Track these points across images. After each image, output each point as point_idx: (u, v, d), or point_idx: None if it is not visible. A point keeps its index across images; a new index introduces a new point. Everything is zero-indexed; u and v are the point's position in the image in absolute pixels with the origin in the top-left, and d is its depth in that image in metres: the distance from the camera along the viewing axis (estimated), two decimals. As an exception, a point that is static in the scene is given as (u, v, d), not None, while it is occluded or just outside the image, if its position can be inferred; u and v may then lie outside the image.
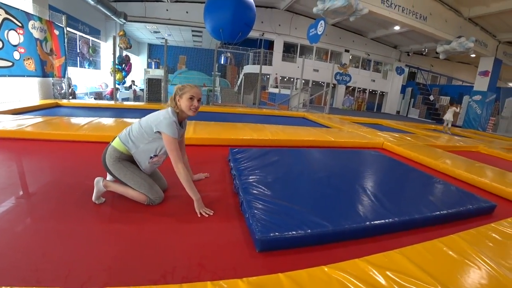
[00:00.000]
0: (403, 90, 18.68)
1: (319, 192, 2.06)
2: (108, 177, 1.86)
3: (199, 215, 1.68)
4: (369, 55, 17.35)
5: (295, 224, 1.48)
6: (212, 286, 0.98)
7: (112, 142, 1.78)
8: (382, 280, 1.11)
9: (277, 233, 1.39)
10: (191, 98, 1.75)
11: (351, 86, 17.42)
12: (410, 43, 16.09)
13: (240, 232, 1.55)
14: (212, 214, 1.70)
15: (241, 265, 1.29)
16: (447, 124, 8.96)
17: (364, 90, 18.43)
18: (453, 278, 1.18)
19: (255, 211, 1.59)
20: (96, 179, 1.73)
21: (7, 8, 4.81)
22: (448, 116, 8.93)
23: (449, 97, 15.59)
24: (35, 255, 1.23)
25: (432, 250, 1.39)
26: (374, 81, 18.27)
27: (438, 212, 1.89)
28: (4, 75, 4.93)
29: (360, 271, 1.16)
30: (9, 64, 5.00)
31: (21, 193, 1.88)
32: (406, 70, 18.70)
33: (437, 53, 12.19)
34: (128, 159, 1.77)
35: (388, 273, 1.16)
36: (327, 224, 1.52)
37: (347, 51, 16.80)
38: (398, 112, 18.98)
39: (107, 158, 1.73)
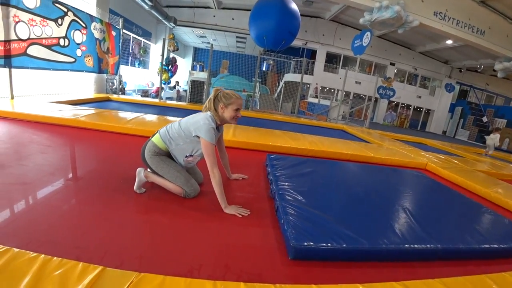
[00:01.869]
0: (451, 109, 17.36)
1: (356, 208, 1.98)
2: (138, 176, 1.97)
3: (237, 215, 1.69)
4: (416, 69, 16.46)
5: (330, 237, 1.45)
6: (245, 287, 0.98)
7: (152, 137, 1.87)
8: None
9: (311, 243, 1.37)
10: (236, 110, 1.81)
11: (394, 101, 16.61)
12: (463, 58, 14.97)
13: (273, 237, 1.55)
14: (248, 214, 1.71)
15: (270, 270, 1.28)
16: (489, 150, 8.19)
17: (408, 106, 17.47)
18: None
19: (291, 217, 1.57)
20: (138, 169, 1.84)
21: (75, 11, 5.38)
22: (491, 143, 8.16)
23: (505, 120, 14.17)
24: (77, 233, 1.34)
25: (479, 285, 1.26)
26: (420, 97, 17.25)
27: (487, 246, 1.71)
28: (67, 70, 5.48)
29: (397, 296, 1.09)
30: (72, 60, 5.55)
31: (70, 175, 2.07)
32: (457, 87, 17.39)
33: (494, 70, 11.19)
34: (165, 154, 1.85)
35: (427, 302, 1.07)
36: (363, 241, 1.46)
37: (392, 64, 16.12)
38: (444, 132, 17.67)
39: (146, 152, 1.83)
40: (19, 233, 1.27)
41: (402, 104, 17.21)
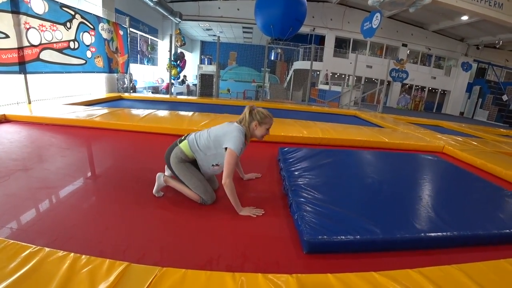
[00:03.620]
0: (469, 89, 16.69)
1: (370, 197, 1.98)
2: (166, 171, 2.02)
3: (252, 215, 1.73)
4: (430, 49, 15.83)
5: (344, 229, 1.46)
6: (263, 278, 1.02)
7: (179, 143, 1.88)
8: (437, 295, 1.04)
9: (325, 236, 1.39)
10: (268, 129, 1.88)
11: (407, 84, 16.11)
12: (480, 34, 14.25)
13: (288, 232, 1.57)
14: (262, 213, 1.75)
15: (286, 263, 1.32)
16: None
17: (422, 88, 16.91)
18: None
19: (304, 213, 1.59)
20: (158, 174, 1.90)
21: (82, 13, 5.46)
22: None
23: (527, 97, 13.53)
24: (99, 229, 1.42)
25: (497, 270, 1.25)
26: (434, 78, 16.64)
27: (507, 230, 1.67)
28: (79, 72, 5.61)
29: (413, 281, 1.10)
30: (83, 62, 5.67)
31: (89, 174, 2.16)
32: (474, 66, 16.64)
33: (515, 46, 10.65)
34: (190, 162, 1.88)
35: (443, 287, 1.08)
36: (378, 231, 1.47)
37: (404, 45, 15.56)
38: (462, 113, 17.07)
39: (172, 157, 1.85)
40: (46, 232, 1.36)
41: (416, 86, 16.68)
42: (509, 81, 16.72)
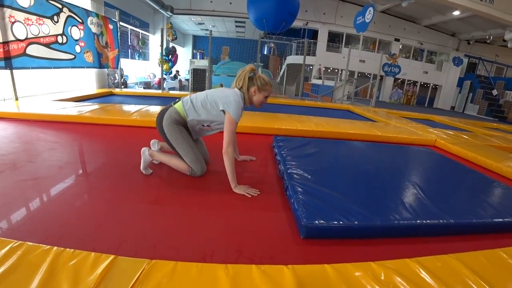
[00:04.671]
0: (460, 83, 16.90)
1: (366, 185, 1.97)
2: (153, 146, 1.95)
3: (246, 195, 1.68)
4: (422, 44, 15.95)
5: (341, 214, 1.44)
6: (257, 269, 0.99)
7: (174, 104, 1.82)
8: (433, 284, 1.03)
9: (323, 221, 1.36)
10: (266, 97, 1.82)
11: (400, 78, 16.22)
12: (471, 30, 14.41)
13: (284, 217, 1.55)
14: (258, 194, 1.71)
15: (283, 250, 1.29)
16: None
17: (414, 83, 17.06)
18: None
19: (301, 196, 1.57)
20: (143, 149, 1.83)
21: (70, 7, 5.30)
22: None
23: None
24: (92, 226, 1.37)
25: (493, 260, 1.24)
26: (426, 72, 16.79)
27: (500, 219, 1.68)
28: (68, 67, 5.47)
29: (410, 271, 1.08)
30: (72, 57, 5.52)
31: (80, 171, 2.09)
32: (465, 60, 16.82)
33: (504, 41, 10.79)
34: (183, 125, 1.81)
35: (441, 277, 1.07)
36: (375, 218, 1.46)
37: (397, 40, 15.64)
38: (453, 107, 17.29)
39: (165, 118, 1.77)
40: (37, 230, 1.30)
41: (408, 80, 16.82)
42: (499, 76, 16.99)
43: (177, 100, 1.84)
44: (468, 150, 3.49)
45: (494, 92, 14.56)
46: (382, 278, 1.03)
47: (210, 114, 1.74)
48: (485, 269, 1.16)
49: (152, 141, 1.90)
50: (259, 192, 1.72)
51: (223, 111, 1.69)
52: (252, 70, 1.79)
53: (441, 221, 1.54)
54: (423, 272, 1.09)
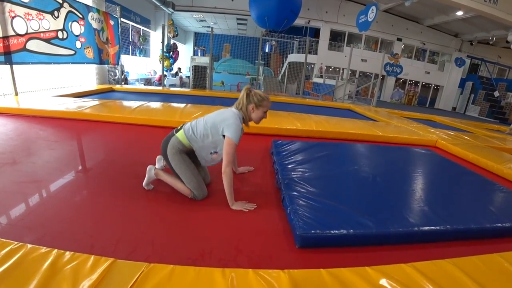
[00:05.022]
0: (462, 84, 16.83)
1: (364, 191, 1.97)
2: (157, 164, 1.97)
3: (244, 210, 1.69)
4: (424, 44, 15.87)
5: (337, 223, 1.44)
6: (254, 273, 1.00)
7: (176, 132, 1.82)
8: (430, 289, 1.03)
9: (318, 231, 1.37)
10: (265, 112, 1.81)
11: (401, 78, 16.17)
12: (474, 30, 14.31)
13: (280, 227, 1.55)
14: (255, 207, 1.72)
15: (278, 257, 1.29)
16: None
17: (416, 83, 17.00)
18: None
19: (297, 207, 1.57)
20: (149, 167, 1.84)
21: (71, 2, 5.27)
22: None
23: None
24: (90, 224, 1.38)
25: (490, 264, 1.25)
26: (428, 73, 16.72)
27: (499, 224, 1.68)
28: (68, 63, 5.45)
29: (406, 276, 1.09)
30: (72, 52, 5.50)
31: (79, 168, 2.09)
32: (468, 61, 16.76)
33: (507, 42, 10.73)
34: (188, 152, 1.82)
35: (437, 282, 1.07)
36: (371, 226, 1.46)
37: (399, 39, 15.55)
38: (454, 108, 17.24)
39: (168, 147, 1.78)
40: (35, 227, 1.31)
41: (409, 81, 16.75)
42: (501, 77, 16.93)
43: (179, 128, 1.85)
44: (469, 151, 3.49)
45: (496, 93, 14.51)
46: (378, 283, 1.03)
47: (213, 139, 1.76)
48: (481, 274, 1.16)
49: (158, 157, 1.92)
50: (256, 206, 1.73)
51: (223, 135, 1.70)
52: (248, 89, 1.81)
53: (438, 227, 1.54)
54: (419, 277, 1.09)
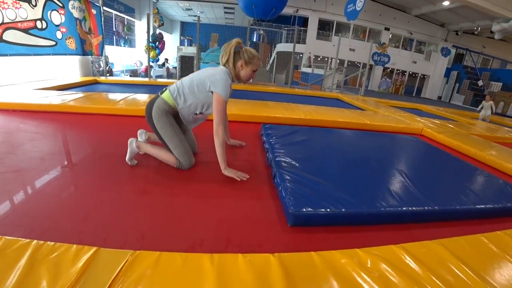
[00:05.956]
0: (447, 74, 17.17)
1: (353, 173, 1.98)
2: (140, 137, 1.90)
3: (236, 178, 1.66)
4: (411, 33, 16.03)
5: (329, 202, 1.45)
6: (243, 258, 0.99)
7: (161, 94, 1.74)
8: (418, 269, 1.05)
9: (310, 209, 1.37)
10: (254, 71, 1.73)
11: (389, 68, 16.36)
12: (460, 20, 14.54)
13: (272, 204, 1.54)
14: (247, 178, 1.69)
15: (271, 238, 1.29)
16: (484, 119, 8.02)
17: (403, 73, 17.21)
18: (496, 274, 1.09)
19: (288, 184, 1.56)
20: (130, 139, 1.77)
21: (49, -11, 5.03)
22: (488, 113, 7.96)
23: (501, 84, 14.04)
24: (78, 218, 1.33)
25: (475, 244, 1.28)
26: (415, 62, 16.96)
27: (482, 206, 1.73)
28: (49, 54, 5.23)
29: (396, 258, 1.10)
30: (53, 43, 5.28)
31: (65, 162, 2.02)
32: (453, 51, 17.05)
33: (492, 32, 10.94)
34: (173, 114, 1.74)
35: (426, 262, 1.09)
36: (362, 205, 1.47)
37: (387, 29, 15.65)
38: (439, 97, 17.60)
39: (154, 109, 1.70)
40: (21, 224, 1.25)
41: (397, 70, 16.96)
42: (485, 67, 17.34)
43: (164, 89, 1.77)
44: (453, 138, 3.58)
45: (480, 83, 14.88)
46: (368, 265, 1.04)
47: (199, 98, 1.67)
48: (467, 254, 1.19)
49: (139, 131, 1.84)
50: (248, 176, 1.69)
51: (211, 92, 1.62)
52: (239, 43, 1.72)
53: (425, 208, 1.58)
54: (408, 258, 1.11)
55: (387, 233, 1.45)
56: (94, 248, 0.94)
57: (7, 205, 1.41)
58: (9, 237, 0.99)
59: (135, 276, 0.86)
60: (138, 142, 1.77)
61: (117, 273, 0.86)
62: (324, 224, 1.41)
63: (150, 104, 1.74)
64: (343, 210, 1.41)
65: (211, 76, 1.63)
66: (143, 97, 4.11)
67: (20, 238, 0.98)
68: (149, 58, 8.22)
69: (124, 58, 12.18)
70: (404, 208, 1.54)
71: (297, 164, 1.87)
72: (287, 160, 1.92)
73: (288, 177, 1.65)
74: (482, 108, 8.06)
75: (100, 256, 0.92)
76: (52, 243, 0.96)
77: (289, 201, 1.40)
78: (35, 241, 0.97)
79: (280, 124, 3.52)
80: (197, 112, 1.71)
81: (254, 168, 2.01)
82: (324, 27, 15.31)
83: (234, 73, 1.71)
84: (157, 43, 11.68)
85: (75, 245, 0.95)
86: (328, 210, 1.39)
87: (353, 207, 1.45)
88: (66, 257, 0.90)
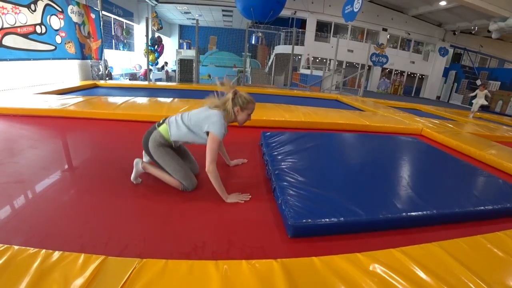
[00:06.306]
0: (445, 73, 17.20)
1: (353, 179, 2.00)
2: (145, 158, 1.94)
3: (239, 201, 1.70)
4: (409, 34, 16.07)
5: (328, 212, 1.46)
6: (247, 264, 1.00)
7: (158, 126, 1.80)
8: (419, 272, 1.07)
9: (309, 220, 1.39)
10: (249, 115, 1.83)
11: (387, 68, 16.40)
12: (457, 20, 14.59)
13: (272, 217, 1.56)
14: (250, 198, 1.73)
15: (271, 248, 1.31)
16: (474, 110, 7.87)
17: (401, 73, 17.27)
18: (496, 276, 1.11)
19: (288, 197, 1.58)
20: (136, 160, 1.81)
21: (48, -6, 5.05)
22: (481, 102, 7.75)
23: (499, 82, 14.09)
24: (79, 223, 1.35)
25: (474, 246, 1.30)
26: (413, 63, 17.01)
27: (482, 207, 1.75)
28: (48, 58, 5.25)
29: (396, 261, 1.12)
30: (52, 47, 5.30)
31: (66, 166, 2.04)
32: (451, 51, 17.10)
33: (489, 31, 10.98)
34: (169, 146, 1.82)
35: (425, 265, 1.11)
36: (361, 213, 1.49)
37: (385, 30, 15.70)
38: (438, 97, 17.63)
39: (150, 141, 1.77)
40: (22, 229, 1.27)
41: (395, 70, 17.00)
42: (483, 66, 17.37)
43: (161, 122, 1.83)
44: (453, 138, 3.60)
45: (478, 82, 14.89)
46: (370, 268, 1.06)
47: (196, 138, 1.77)
48: (466, 255, 1.21)
49: (135, 161, 1.88)
50: (250, 196, 1.75)
51: (207, 132, 1.70)
52: (234, 92, 1.81)
53: (425, 212, 1.59)
54: (408, 261, 1.13)
55: (387, 238, 1.46)
56: (102, 257, 0.96)
57: (9, 210, 1.43)
58: (18, 247, 1.00)
59: (142, 283, 0.88)
60: (144, 164, 1.82)
61: (124, 281, 0.88)
62: (324, 234, 1.42)
63: (147, 135, 1.81)
64: (342, 219, 1.43)
65: (209, 118, 1.72)
66: (143, 101, 4.13)
67: (28, 248, 1.00)
68: (148, 61, 8.24)
69: (123, 61, 12.19)
70: (404, 214, 1.56)
71: (296, 175, 1.89)
72: (286, 172, 1.94)
73: (288, 190, 1.67)
74: (476, 96, 7.93)
75: (107, 264, 0.94)
76: (60, 252, 0.98)
77: (288, 213, 1.42)
78: (44, 250, 0.99)
79: (279, 127, 3.54)
80: (189, 142, 1.80)
81: (254, 182, 2.03)
82: (322, 29, 15.36)
83: (231, 117, 1.79)
84: (156, 46, 11.70)
85: (83, 254, 0.97)
86: (327, 220, 1.41)
87: (353, 215, 1.47)
88: (75, 266, 0.92)
